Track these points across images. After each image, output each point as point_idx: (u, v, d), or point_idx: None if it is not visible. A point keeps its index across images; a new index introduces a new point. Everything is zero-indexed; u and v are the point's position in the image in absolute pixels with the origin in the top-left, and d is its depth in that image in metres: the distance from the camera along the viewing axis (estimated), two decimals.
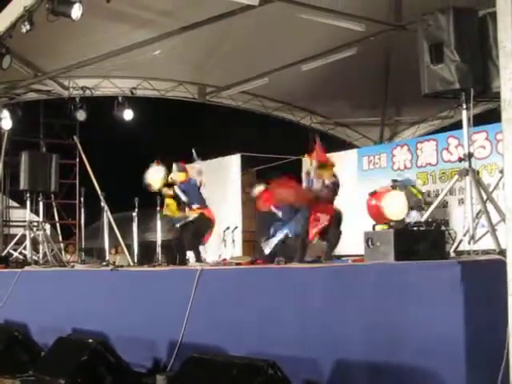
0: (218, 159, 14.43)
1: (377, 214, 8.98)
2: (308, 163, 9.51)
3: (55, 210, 15.46)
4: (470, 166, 6.05)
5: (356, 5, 10.26)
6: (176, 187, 9.11)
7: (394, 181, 10.22)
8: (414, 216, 9.29)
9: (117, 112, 13.83)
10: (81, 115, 13.85)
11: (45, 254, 11.99)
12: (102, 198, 10.49)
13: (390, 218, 9.10)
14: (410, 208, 9.50)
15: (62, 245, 15.21)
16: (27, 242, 12.10)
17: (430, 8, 6.13)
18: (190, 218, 8.95)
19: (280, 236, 9.73)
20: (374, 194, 9.68)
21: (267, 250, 9.22)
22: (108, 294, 7.15)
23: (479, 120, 7.32)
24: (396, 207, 9.00)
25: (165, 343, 6.04)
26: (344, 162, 13.68)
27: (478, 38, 5.94)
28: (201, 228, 9.03)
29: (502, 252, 4.67)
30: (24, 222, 12.63)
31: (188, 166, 9.36)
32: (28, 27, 8.65)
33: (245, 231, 13.73)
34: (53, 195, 14.23)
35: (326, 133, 16.80)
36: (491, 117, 9.86)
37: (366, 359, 4.38)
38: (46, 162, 12.40)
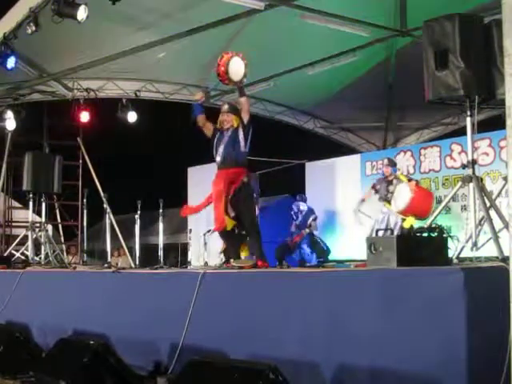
0: None
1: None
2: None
3: (58, 211, 15.53)
4: (473, 172, 6.03)
5: (361, 10, 10.28)
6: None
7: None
8: None
9: (121, 114, 13.86)
10: (85, 117, 13.89)
11: (47, 255, 11.98)
12: (104, 199, 10.48)
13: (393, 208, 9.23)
14: None
15: (64, 246, 15.25)
16: (29, 243, 12.08)
17: (435, 14, 6.13)
18: None
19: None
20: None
21: None
22: (110, 296, 7.15)
23: (483, 127, 7.30)
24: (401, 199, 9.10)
25: (166, 346, 6.03)
26: (347, 167, 13.73)
27: (483, 45, 5.94)
28: None
29: (505, 259, 4.67)
30: (26, 222, 12.63)
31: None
32: (33, 28, 8.67)
33: None
34: (55, 196, 14.25)
35: (330, 137, 16.82)
36: (494, 123, 9.86)
37: (369, 364, 4.37)
38: (50, 163, 12.38)
